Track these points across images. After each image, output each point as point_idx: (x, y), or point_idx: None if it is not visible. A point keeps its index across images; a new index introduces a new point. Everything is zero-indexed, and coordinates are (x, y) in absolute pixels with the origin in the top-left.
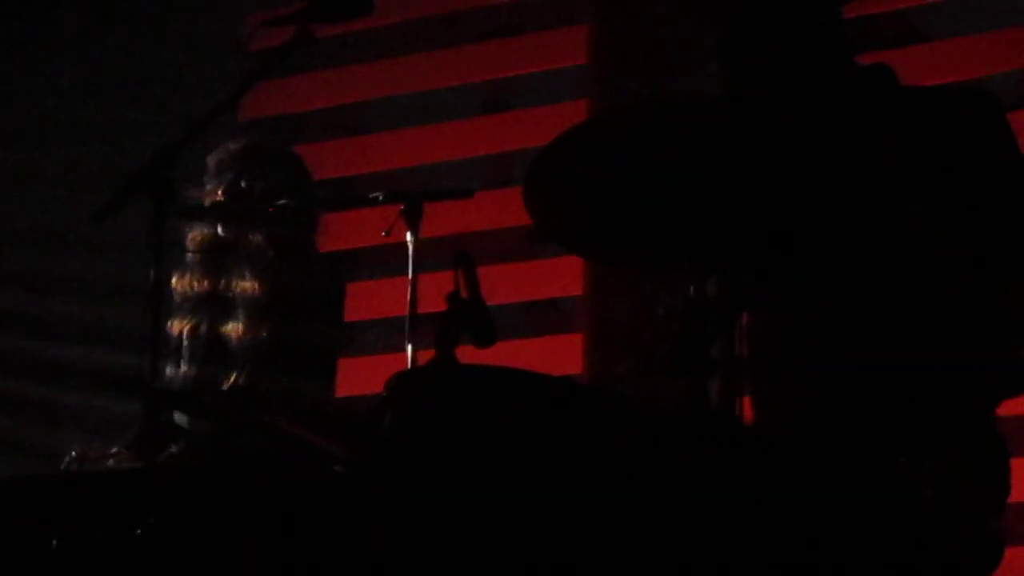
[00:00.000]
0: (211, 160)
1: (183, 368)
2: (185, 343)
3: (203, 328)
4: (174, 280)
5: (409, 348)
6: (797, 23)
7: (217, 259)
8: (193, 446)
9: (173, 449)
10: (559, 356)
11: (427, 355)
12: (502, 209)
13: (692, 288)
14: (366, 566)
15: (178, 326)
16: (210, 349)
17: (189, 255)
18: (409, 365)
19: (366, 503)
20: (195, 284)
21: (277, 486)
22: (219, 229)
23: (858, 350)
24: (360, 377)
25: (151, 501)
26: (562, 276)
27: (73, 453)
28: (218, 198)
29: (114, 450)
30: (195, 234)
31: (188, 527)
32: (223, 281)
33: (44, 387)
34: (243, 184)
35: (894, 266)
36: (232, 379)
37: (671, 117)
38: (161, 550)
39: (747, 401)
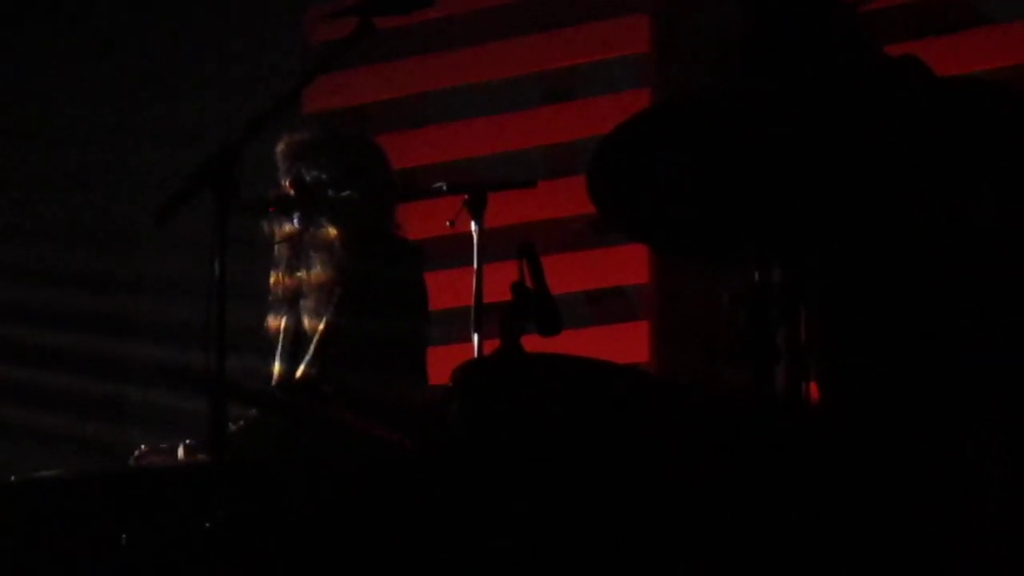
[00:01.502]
0: (277, 152)
1: (276, 365)
2: (280, 339)
3: (291, 323)
4: (271, 278)
5: (475, 338)
6: (809, 24)
7: (297, 253)
8: (254, 429)
9: (232, 428)
10: (625, 344)
11: (493, 345)
12: (566, 198)
13: (757, 276)
14: (431, 554)
15: (273, 323)
16: (297, 344)
17: (276, 251)
18: (475, 355)
19: (432, 492)
20: (284, 279)
21: (342, 479)
22: (295, 222)
23: (924, 336)
24: (428, 367)
25: (219, 496)
26: (627, 264)
27: (142, 447)
28: (287, 190)
29: (181, 445)
30: (280, 230)
31: (256, 521)
32: (303, 274)
33: (111, 383)
34: (304, 174)
35: (955, 253)
36: (303, 372)
37: (733, 106)
38: (229, 544)
39: (812, 387)
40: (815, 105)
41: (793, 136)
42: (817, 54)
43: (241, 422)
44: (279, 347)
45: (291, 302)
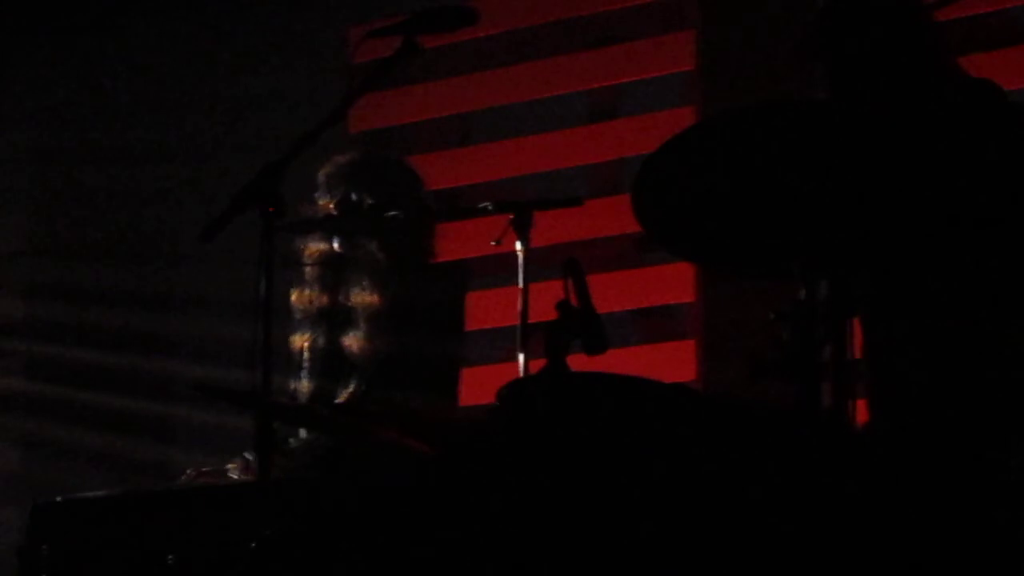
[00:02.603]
0: (321, 174)
1: (304, 382)
2: (306, 357)
3: (322, 342)
4: (293, 296)
5: (521, 357)
6: (893, 42)
7: (334, 273)
8: (309, 453)
9: (291, 443)
10: (671, 363)
11: (539, 364)
12: (611, 217)
13: (803, 292)
14: (475, 571)
15: (299, 341)
16: (329, 362)
17: (307, 270)
18: (521, 374)
19: (481, 511)
20: (313, 298)
21: (390, 497)
22: (334, 243)
23: (974, 352)
24: (472, 387)
25: (265, 515)
26: (673, 283)
27: (190, 471)
28: (330, 211)
29: (229, 465)
30: (312, 248)
31: (302, 540)
32: (341, 294)
33: (157, 402)
34: (353, 197)
35: (1001, 271)
36: (350, 391)
37: (778, 122)
38: (275, 563)
39: (859, 404)
40: (874, 119)
41: (843, 151)
42: (891, 63)
43: (301, 438)
44: (306, 365)
45: (320, 320)
